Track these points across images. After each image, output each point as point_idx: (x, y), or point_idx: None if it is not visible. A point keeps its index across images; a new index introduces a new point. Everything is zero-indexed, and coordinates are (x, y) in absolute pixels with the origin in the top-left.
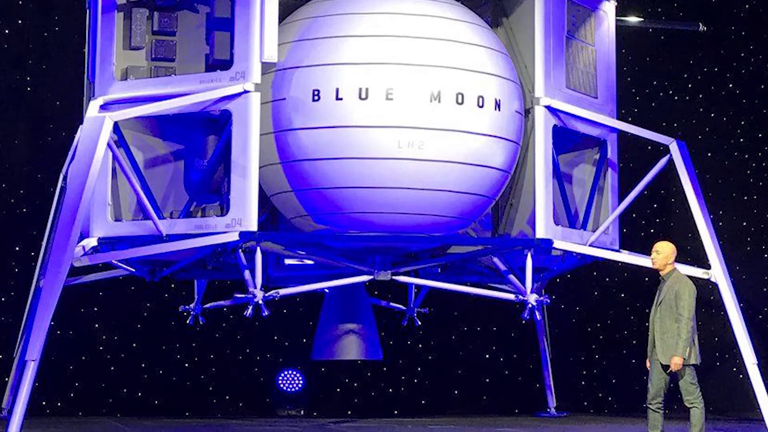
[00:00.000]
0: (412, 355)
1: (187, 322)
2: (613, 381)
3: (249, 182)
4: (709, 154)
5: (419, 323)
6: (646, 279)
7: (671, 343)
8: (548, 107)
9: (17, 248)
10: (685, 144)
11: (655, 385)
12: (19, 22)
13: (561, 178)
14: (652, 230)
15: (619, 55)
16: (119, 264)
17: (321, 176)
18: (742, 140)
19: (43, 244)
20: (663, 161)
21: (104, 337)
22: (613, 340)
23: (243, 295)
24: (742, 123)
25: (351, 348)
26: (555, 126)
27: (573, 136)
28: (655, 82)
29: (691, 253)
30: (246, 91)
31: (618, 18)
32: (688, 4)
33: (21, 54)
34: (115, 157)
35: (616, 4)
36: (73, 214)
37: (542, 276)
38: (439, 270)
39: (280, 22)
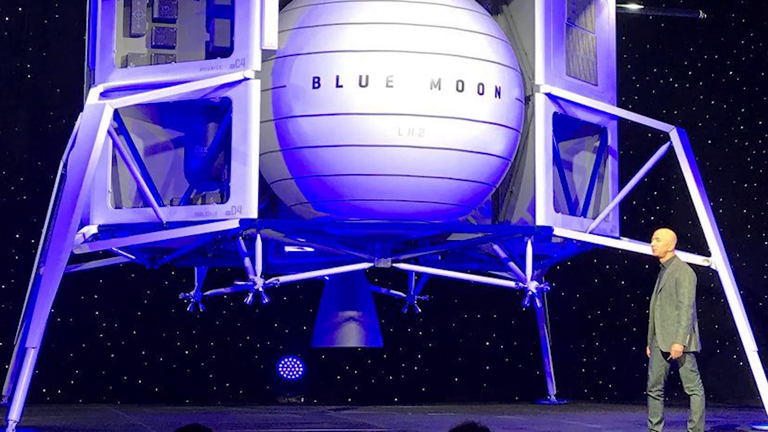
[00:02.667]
0: (412, 343)
1: (188, 309)
2: (614, 368)
3: (249, 169)
4: (710, 142)
5: (419, 310)
6: (647, 266)
7: (671, 330)
8: (548, 94)
9: (17, 236)
10: (685, 131)
11: (656, 373)
12: (20, 9)
13: (561, 165)
14: (652, 217)
15: (619, 43)
16: (119, 251)
17: (321, 163)
18: (742, 127)
19: (44, 231)
20: (663, 148)
21: (104, 324)
22: (613, 327)
23: (243, 283)
24: (743, 110)
25: (351, 335)
26: (555, 113)
27: (573, 124)
28: (655, 70)
29: (691, 240)
30: (246, 79)
31: (618, 5)
32: None
33: (21, 41)
34: (115, 145)
35: None
36: (73, 201)
37: (542, 263)
38: (440, 257)
39: (280, 9)
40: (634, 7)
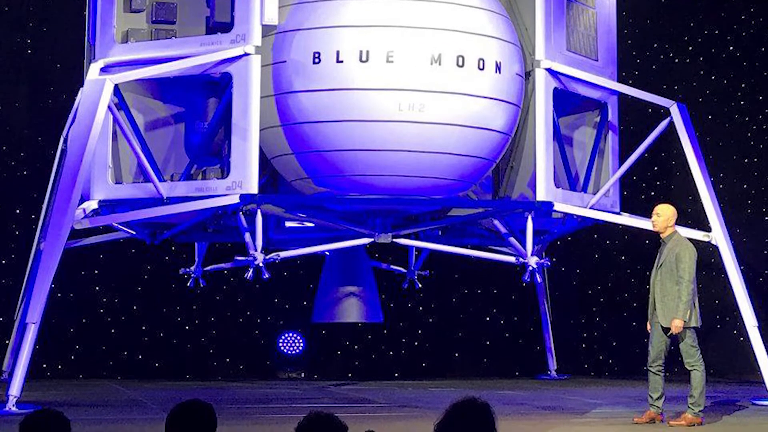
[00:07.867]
0: (412, 318)
1: (188, 284)
2: (614, 344)
3: (249, 145)
4: (710, 117)
5: (420, 286)
6: (647, 242)
7: (672, 305)
8: (549, 70)
9: (18, 211)
10: (685, 106)
11: (656, 348)
12: None
13: (561, 140)
14: (652, 193)
15: (619, 18)
16: (120, 227)
17: (321, 139)
18: (742, 103)
19: (44, 206)
20: (663, 124)
21: (105, 299)
22: (613, 302)
23: (243, 258)
24: (743, 86)
25: (351, 311)
26: (555, 88)
27: (574, 99)
28: (655, 45)
29: (691, 215)
30: (246, 54)
31: None
32: None
33: (21, 16)
34: (115, 120)
35: None
36: (73, 176)
37: (543, 238)
38: (440, 232)
39: None
40: None
